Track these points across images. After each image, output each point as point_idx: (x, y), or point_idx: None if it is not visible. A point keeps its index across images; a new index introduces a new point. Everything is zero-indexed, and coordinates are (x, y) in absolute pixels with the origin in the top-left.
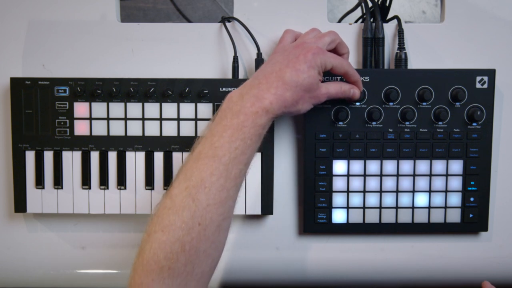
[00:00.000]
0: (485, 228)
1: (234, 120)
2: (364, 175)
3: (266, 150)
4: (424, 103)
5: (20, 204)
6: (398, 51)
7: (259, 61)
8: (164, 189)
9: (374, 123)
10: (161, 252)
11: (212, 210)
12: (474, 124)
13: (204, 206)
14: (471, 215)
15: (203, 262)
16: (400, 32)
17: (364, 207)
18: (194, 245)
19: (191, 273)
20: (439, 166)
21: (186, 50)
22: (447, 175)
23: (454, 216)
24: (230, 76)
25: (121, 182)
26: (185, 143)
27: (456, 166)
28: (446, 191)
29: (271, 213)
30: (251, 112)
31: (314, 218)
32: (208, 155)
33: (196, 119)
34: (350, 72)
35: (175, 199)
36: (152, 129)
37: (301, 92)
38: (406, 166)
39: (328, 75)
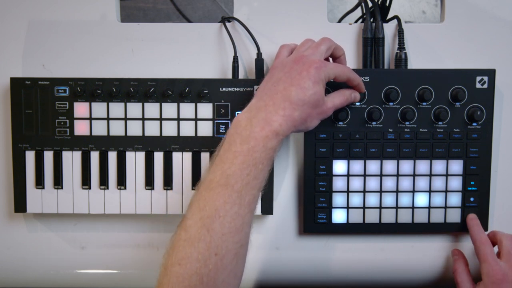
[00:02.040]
0: (485, 228)
1: (244, 146)
2: (364, 175)
3: None
4: (424, 103)
5: (20, 204)
6: (398, 51)
7: (259, 61)
8: (164, 189)
9: (374, 123)
10: (180, 286)
11: (228, 239)
12: (474, 124)
13: (220, 235)
14: None
15: None
16: (400, 32)
17: (364, 207)
18: (212, 277)
19: None
20: (439, 166)
21: (186, 50)
22: (447, 175)
23: (454, 216)
24: (230, 76)
25: (121, 182)
26: (185, 143)
27: (456, 166)
28: (446, 191)
29: (271, 213)
30: (261, 136)
31: (314, 218)
32: (220, 183)
33: (196, 119)
34: (352, 77)
35: (190, 230)
36: (152, 129)
37: (308, 110)
38: (406, 166)
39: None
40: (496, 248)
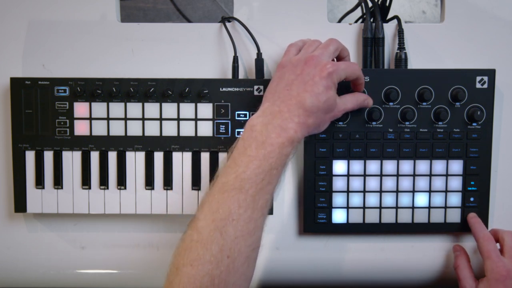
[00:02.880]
0: None
1: (260, 151)
2: (364, 175)
3: None
4: (424, 103)
5: (20, 204)
6: (398, 51)
7: (259, 61)
8: (164, 189)
9: (374, 123)
10: (191, 286)
11: (241, 242)
12: (474, 124)
13: (232, 238)
14: None
15: None
16: (400, 32)
17: (364, 207)
18: (223, 279)
19: None
20: (439, 166)
21: (186, 50)
22: (447, 175)
23: (454, 216)
24: (230, 76)
25: (121, 182)
26: (185, 143)
27: (456, 166)
28: (446, 191)
29: (271, 213)
30: (277, 143)
31: (314, 218)
32: (234, 187)
33: (196, 119)
34: (360, 75)
35: (202, 231)
36: (152, 129)
37: (322, 115)
38: (406, 166)
39: None
40: (498, 246)
